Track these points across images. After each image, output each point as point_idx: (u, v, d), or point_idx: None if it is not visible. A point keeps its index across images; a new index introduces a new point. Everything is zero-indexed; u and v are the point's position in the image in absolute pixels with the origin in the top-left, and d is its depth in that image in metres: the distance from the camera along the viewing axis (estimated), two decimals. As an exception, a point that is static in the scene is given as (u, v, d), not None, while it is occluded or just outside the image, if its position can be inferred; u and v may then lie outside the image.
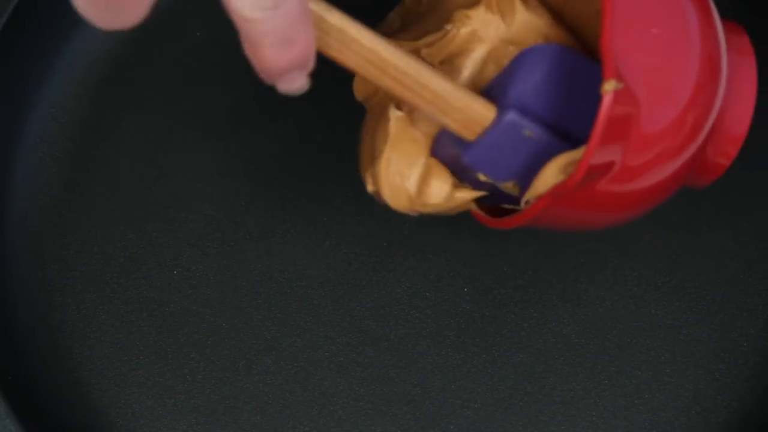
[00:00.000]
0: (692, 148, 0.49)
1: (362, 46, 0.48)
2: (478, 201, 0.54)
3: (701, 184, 0.53)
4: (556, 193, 0.48)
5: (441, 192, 0.53)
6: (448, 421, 0.59)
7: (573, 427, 0.59)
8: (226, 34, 0.66)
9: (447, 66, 0.52)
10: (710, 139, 0.50)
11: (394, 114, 0.53)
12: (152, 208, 0.63)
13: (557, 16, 0.54)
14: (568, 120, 0.49)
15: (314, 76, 0.65)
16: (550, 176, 0.48)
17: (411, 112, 0.53)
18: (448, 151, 0.52)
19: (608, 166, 0.47)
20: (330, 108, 0.64)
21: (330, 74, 0.65)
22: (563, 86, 0.49)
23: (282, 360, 0.60)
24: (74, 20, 0.65)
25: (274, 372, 0.60)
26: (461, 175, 0.52)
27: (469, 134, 0.49)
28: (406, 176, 0.53)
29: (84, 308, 0.61)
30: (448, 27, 0.52)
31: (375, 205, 0.58)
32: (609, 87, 0.45)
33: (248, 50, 0.45)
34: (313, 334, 0.60)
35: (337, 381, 0.59)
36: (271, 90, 0.65)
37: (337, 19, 0.47)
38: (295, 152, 0.63)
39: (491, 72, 0.51)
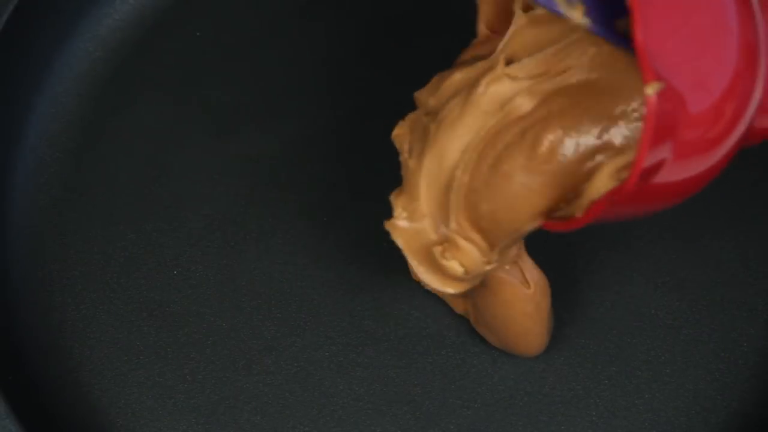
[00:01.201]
0: (740, 129, 0.48)
1: None
2: None
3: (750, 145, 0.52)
4: (611, 198, 0.47)
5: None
6: (448, 421, 0.59)
7: (573, 427, 0.59)
8: (226, 34, 0.67)
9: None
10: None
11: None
12: (152, 208, 0.63)
13: None
14: None
15: (315, 75, 0.65)
16: (602, 183, 0.47)
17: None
18: None
19: (661, 165, 0.46)
20: (330, 108, 0.64)
21: (330, 74, 0.65)
22: None
23: (282, 360, 0.60)
24: (74, 21, 0.65)
25: (274, 372, 0.60)
26: None
27: None
28: None
29: (84, 308, 0.61)
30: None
31: (375, 206, 0.58)
32: (651, 90, 0.43)
33: None
34: (313, 334, 0.60)
35: (337, 381, 0.59)
36: (271, 90, 0.65)
37: None
38: (295, 152, 0.63)
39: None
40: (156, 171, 0.63)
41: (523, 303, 0.56)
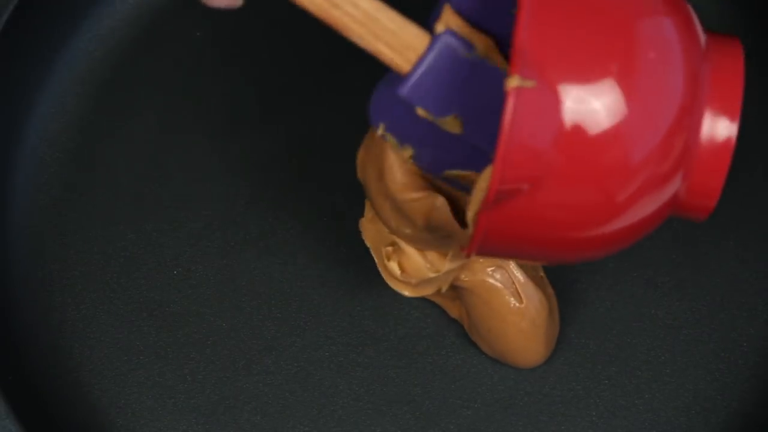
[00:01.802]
0: (673, 183, 0.44)
1: None
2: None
3: (693, 219, 0.49)
4: (481, 210, 0.43)
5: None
6: (448, 421, 0.59)
7: (573, 427, 0.59)
8: (226, 34, 0.66)
9: None
10: (688, 175, 0.45)
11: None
12: (152, 208, 0.63)
13: None
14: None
15: (315, 76, 0.65)
16: (479, 192, 0.44)
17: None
18: (389, 107, 0.49)
19: (520, 190, 0.42)
20: (330, 108, 0.64)
21: (330, 74, 0.65)
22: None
23: (282, 360, 0.60)
24: (74, 20, 0.65)
25: (274, 372, 0.60)
26: (404, 136, 0.49)
27: (403, 62, 0.45)
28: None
29: (84, 308, 0.61)
30: None
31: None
32: (513, 83, 0.40)
33: None
34: (313, 334, 0.60)
35: (337, 381, 0.59)
36: (271, 90, 0.65)
37: None
38: (295, 152, 0.63)
39: None
40: (156, 171, 0.63)
41: (517, 318, 0.56)
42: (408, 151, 0.47)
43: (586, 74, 0.41)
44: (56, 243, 0.62)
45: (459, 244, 0.51)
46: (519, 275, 0.56)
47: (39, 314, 0.61)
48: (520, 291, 0.56)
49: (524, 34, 0.41)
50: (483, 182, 0.44)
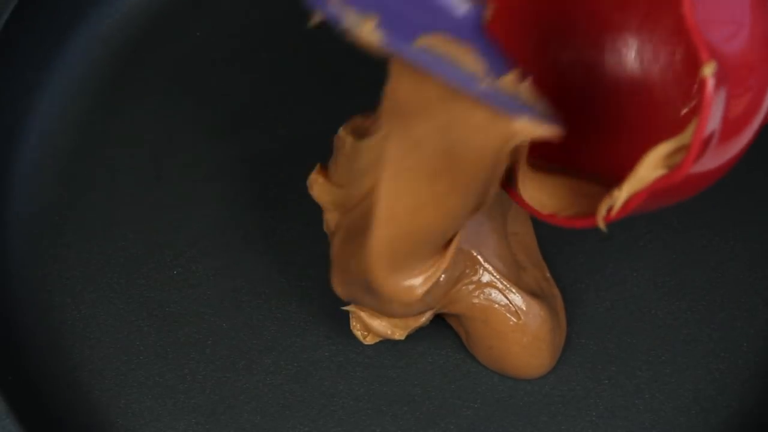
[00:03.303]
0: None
1: None
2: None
3: None
4: (659, 187, 0.45)
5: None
6: (448, 421, 0.59)
7: (573, 427, 0.59)
8: (226, 34, 0.67)
9: None
10: None
11: None
12: (152, 208, 0.63)
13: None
14: None
15: (315, 76, 0.65)
16: (648, 171, 0.45)
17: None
18: None
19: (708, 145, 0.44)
20: (330, 108, 0.64)
21: (331, 74, 0.65)
22: None
23: (282, 360, 0.60)
24: (74, 20, 0.65)
25: (274, 372, 0.60)
26: None
27: None
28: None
29: (84, 308, 0.61)
30: None
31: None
32: (709, 71, 0.42)
33: None
34: (313, 334, 0.60)
35: (337, 381, 0.59)
36: (271, 90, 0.65)
37: None
38: (295, 152, 0.64)
39: None
40: (156, 171, 0.63)
41: (518, 335, 0.56)
42: (372, 21, 0.44)
43: (737, 45, 0.45)
44: (56, 243, 0.62)
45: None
46: (514, 292, 0.56)
47: (39, 314, 0.61)
48: (516, 308, 0.56)
49: (694, 13, 0.43)
50: (651, 164, 0.45)
